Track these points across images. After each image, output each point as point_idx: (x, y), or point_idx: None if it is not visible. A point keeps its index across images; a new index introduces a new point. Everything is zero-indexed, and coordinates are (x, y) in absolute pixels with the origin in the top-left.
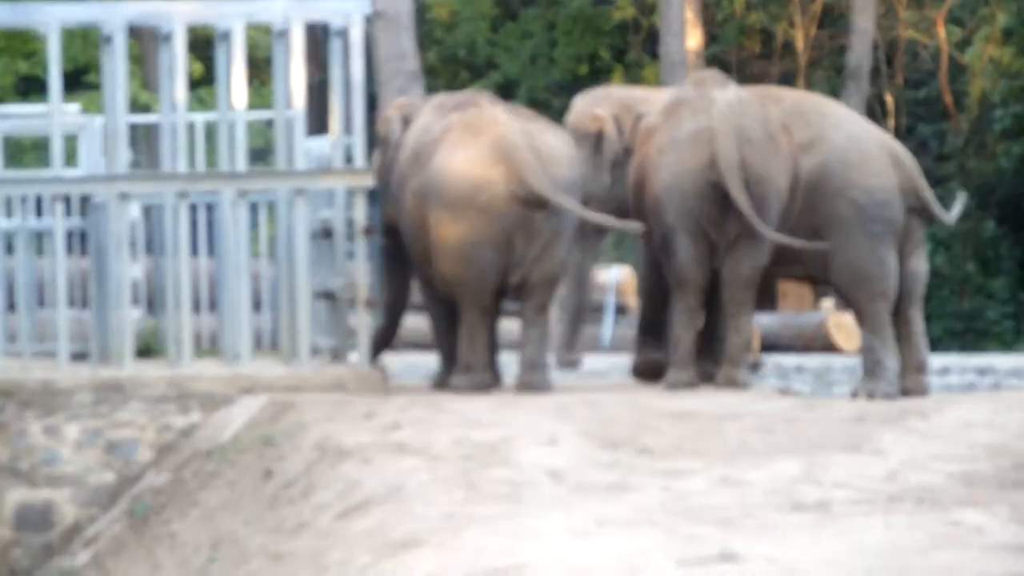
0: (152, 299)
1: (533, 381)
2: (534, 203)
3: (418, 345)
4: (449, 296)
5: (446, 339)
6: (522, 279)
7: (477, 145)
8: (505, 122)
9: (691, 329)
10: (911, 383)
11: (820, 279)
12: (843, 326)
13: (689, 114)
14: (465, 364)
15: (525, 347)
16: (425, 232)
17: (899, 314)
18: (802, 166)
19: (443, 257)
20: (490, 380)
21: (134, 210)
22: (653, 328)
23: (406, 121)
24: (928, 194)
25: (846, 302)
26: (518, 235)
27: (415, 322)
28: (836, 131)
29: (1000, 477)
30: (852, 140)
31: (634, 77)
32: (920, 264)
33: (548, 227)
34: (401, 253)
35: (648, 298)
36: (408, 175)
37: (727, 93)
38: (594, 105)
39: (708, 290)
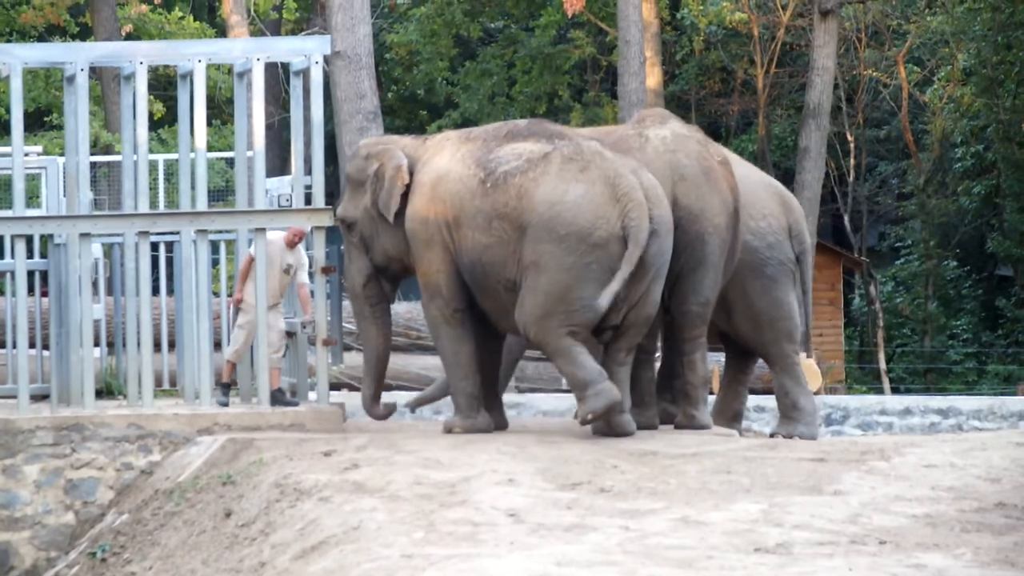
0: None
1: (619, 423)
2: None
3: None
4: (502, 329)
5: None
6: (621, 320)
7: (588, 180)
8: (612, 157)
9: (648, 369)
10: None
11: (726, 330)
12: (804, 367)
13: (624, 152)
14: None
15: None
16: (515, 263)
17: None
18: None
19: (540, 290)
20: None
21: (96, 250)
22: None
23: (410, 158)
24: (808, 240)
25: (752, 348)
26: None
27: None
28: None
29: (963, 519)
30: (741, 181)
31: (593, 116)
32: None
33: (652, 268)
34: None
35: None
36: (479, 205)
37: (663, 130)
38: None
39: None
